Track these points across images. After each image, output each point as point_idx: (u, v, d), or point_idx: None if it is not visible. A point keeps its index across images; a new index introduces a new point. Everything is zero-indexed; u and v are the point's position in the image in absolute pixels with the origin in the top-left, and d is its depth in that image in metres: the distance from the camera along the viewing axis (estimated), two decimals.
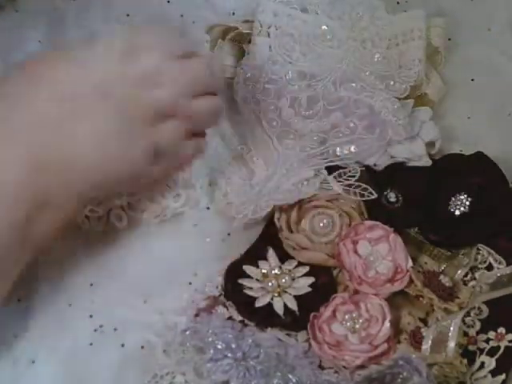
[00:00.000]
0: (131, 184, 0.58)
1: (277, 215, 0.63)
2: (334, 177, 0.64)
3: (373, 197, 0.63)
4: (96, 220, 0.63)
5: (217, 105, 0.59)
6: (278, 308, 0.60)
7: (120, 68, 0.54)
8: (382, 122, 0.65)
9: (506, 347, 0.57)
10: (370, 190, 0.64)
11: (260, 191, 0.64)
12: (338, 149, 0.65)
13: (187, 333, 0.58)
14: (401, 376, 0.53)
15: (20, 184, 0.51)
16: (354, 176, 0.64)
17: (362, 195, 0.64)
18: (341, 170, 0.65)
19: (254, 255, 0.62)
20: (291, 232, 0.62)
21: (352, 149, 0.65)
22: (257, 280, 0.61)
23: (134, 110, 0.54)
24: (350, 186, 0.64)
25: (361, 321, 0.59)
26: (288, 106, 0.66)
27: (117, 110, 0.53)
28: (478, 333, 0.58)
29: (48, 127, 0.52)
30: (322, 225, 0.63)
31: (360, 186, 0.64)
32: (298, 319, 0.60)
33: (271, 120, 0.66)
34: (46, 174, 0.52)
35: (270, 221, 0.63)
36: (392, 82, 0.67)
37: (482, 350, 0.58)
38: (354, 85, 0.66)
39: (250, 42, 0.68)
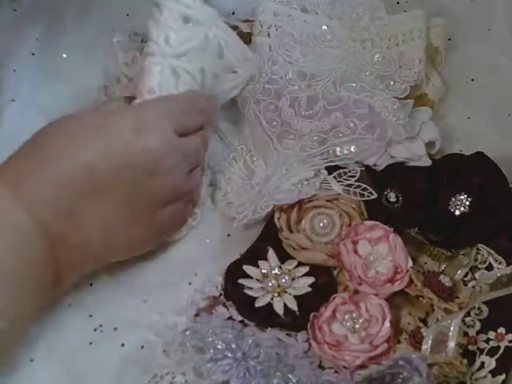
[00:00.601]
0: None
1: (277, 215, 0.63)
2: (334, 177, 0.64)
3: (373, 197, 0.63)
4: None
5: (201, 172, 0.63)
6: (278, 308, 0.60)
7: (132, 150, 0.56)
8: (382, 121, 0.65)
9: (506, 347, 0.57)
10: (370, 190, 0.64)
11: (260, 191, 0.64)
12: (338, 149, 0.65)
13: (187, 333, 0.58)
14: (401, 376, 0.52)
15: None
16: (354, 176, 0.64)
17: (362, 195, 0.64)
18: (341, 170, 0.65)
19: (254, 255, 0.62)
20: (291, 232, 0.62)
21: (352, 149, 0.65)
22: (257, 280, 0.61)
23: (141, 198, 0.57)
24: (350, 186, 0.64)
25: (361, 321, 0.59)
26: (288, 105, 0.66)
27: (125, 199, 0.56)
28: (477, 333, 0.58)
29: (57, 209, 0.54)
30: (321, 225, 0.62)
31: (360, 186, 0.64)
32: (298, 319, 0.60)
33: (271, 120, 0.66)
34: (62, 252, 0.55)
35: (269, 221, 0.63)
36: (392, 82, 0.67)
37: (482, 350, 0.57)
38: (353, 85, 0.66)
39: (250, 41, 0.68)
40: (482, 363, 0.57)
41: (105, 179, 0.55)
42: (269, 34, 0.68)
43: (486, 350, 0.57)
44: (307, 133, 0.66)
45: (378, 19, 0.69)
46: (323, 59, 0.68)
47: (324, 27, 0.69)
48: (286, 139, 0.66)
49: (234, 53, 0.65)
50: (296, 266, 0.62)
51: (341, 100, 0.66)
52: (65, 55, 0.72)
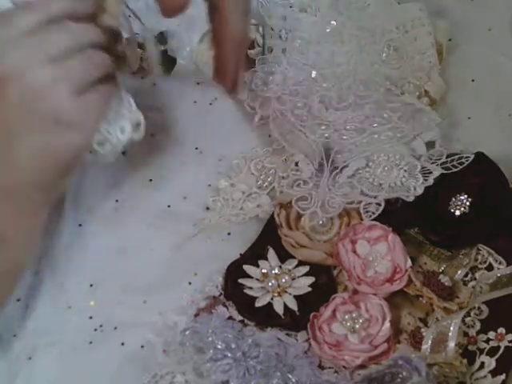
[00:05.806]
0: None
1: (277, 211, 0.63)
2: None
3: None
4: None
5: None
6: (278, 308, 0.60)
7: None
8: (414, 111, 0.65)
9: (506, 347, 0.57)
10: None
11: (316, 185, 0.63)
12: (376, 136, 0.64)
13: (187, 333, 0.58)
14: (400, 376, 0.53)
15: None
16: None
17: None
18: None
19: (254, 255, 0.62)
20: (290, 229, 0.62)
21: (389, 133, 0.64)
22: (257, 280, 0.61)
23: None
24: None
25: (361, 321, 0.59)
26: (318, 102, 0.66)
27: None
28: (478, 333, 0.58)
29: None
30: (321, 222, 0.62)
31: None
32: (298, 319, 0.60)
33: (299, 116, 0.65)
34: None
35: (270, 220, 0.64)
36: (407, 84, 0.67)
37: (482, 350, 0.57)
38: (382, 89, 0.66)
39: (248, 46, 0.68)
40: (482, 363, 0.57)
41: None
42: (281, 37, 0.69)
43: (485, 350, 0.57)
44: (342, 123, 0.65)
45: (385, 4, 0.69)
46: (337, 55, 0.68)
47: (333, 22, 0.69)
48: (320, 130, 0.65)
49: None
50: (296, 266, 0.62)
51: (371, 95, 0.66)
52: None
